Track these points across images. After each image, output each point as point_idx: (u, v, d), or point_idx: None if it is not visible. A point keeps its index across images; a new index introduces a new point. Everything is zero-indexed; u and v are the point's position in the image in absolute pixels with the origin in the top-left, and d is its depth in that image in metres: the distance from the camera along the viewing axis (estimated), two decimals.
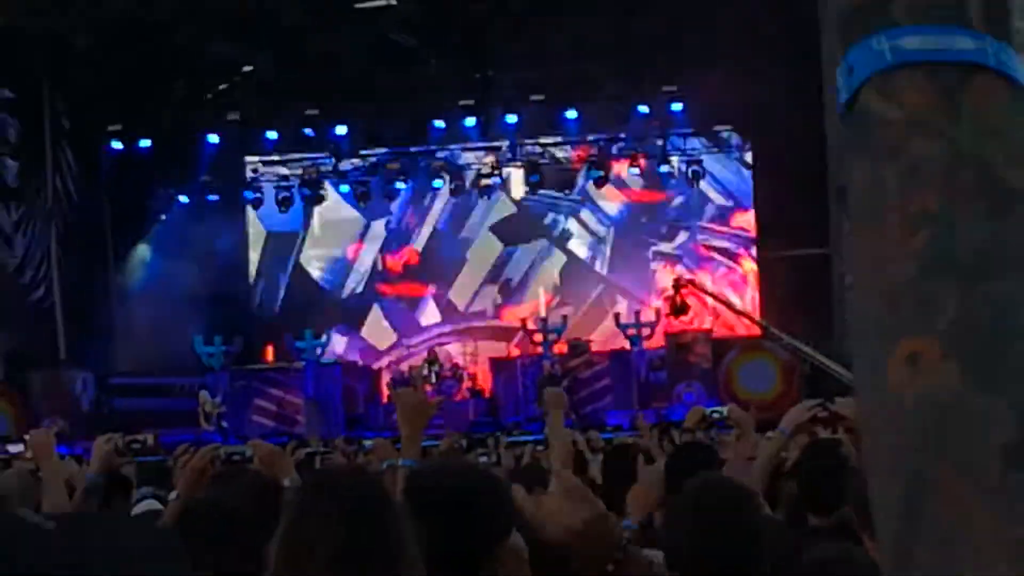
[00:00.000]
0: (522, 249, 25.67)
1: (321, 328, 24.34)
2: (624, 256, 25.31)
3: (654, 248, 25.17)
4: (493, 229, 25.70)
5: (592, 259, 25.52)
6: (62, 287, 22.98)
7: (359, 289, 25.99)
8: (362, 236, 25.96)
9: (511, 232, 25.64)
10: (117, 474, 6.31)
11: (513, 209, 25.54)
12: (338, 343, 25.52)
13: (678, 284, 19.00)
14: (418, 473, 3.31)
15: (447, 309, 25.78)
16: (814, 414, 5.75)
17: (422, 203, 25.78)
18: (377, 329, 25.79)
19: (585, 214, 25.39)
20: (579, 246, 25.55)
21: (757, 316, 22.88)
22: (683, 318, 19.79)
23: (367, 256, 25.99)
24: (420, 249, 25.92)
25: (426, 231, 25.93)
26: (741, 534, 3.33)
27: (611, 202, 25.23)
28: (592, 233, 25.50)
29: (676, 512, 3.38)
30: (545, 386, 21.47)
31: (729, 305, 21.27)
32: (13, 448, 7.02)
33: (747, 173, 24.17)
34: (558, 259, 25.60)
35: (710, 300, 21.37)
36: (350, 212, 25.56)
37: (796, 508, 5.35)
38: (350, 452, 11.82)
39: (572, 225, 25.50)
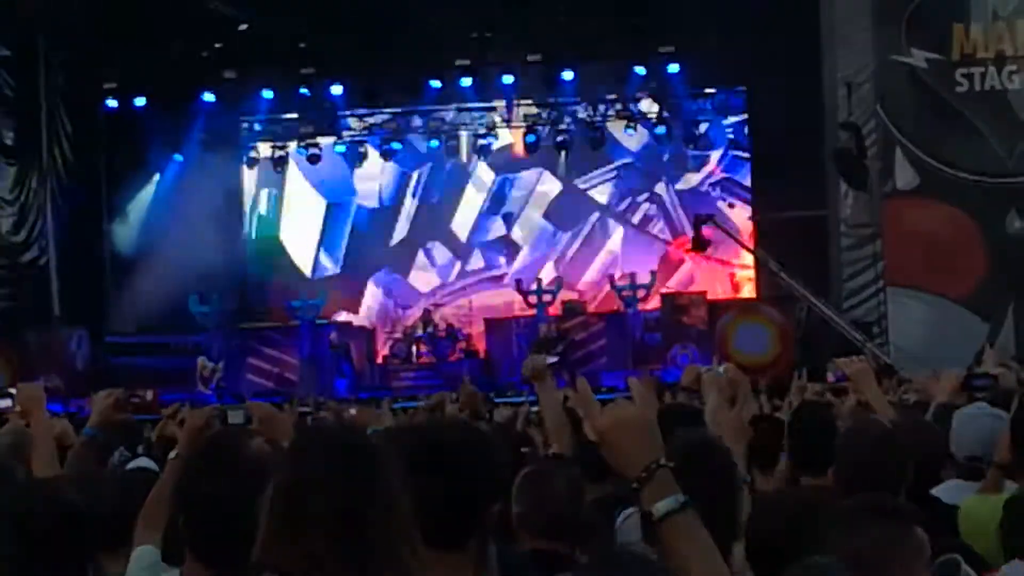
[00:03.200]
0: (518, 178, 25.41)
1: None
2: (620, 197, 25.22)
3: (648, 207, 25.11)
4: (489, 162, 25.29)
5: (588, 189, 25.26)
6: (57, 245, 22.90)
7: (405, 236, 25.66)
8: (402, 188, 25.58)
9: (508, 163, 25.34)
10: (119, 428, 6.34)
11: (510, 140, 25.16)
12: (378, 284, 25.38)
13: (699, 220, 19.18)
14: (400, 430, 3.29)
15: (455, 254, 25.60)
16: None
17: (431, 160, 25.48)
18: (423, 274, 25.57)
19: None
20: (576, 178, 25.23)
21: (754, 274, 22.95)
22: (703, 253, 20.46)
23: (410, 205, 25.62)
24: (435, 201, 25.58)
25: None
26: None
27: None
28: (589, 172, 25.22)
29: None
30: (540, 349, 21.51)
31: (744, 244, 21.45)
32: (2, 403, 6.97)
33: (744, 134, 24.05)
34: (554, 186, 25.36)
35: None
36: (390, 166, 25.29)
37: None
38: (340, 411, 11.86)
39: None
